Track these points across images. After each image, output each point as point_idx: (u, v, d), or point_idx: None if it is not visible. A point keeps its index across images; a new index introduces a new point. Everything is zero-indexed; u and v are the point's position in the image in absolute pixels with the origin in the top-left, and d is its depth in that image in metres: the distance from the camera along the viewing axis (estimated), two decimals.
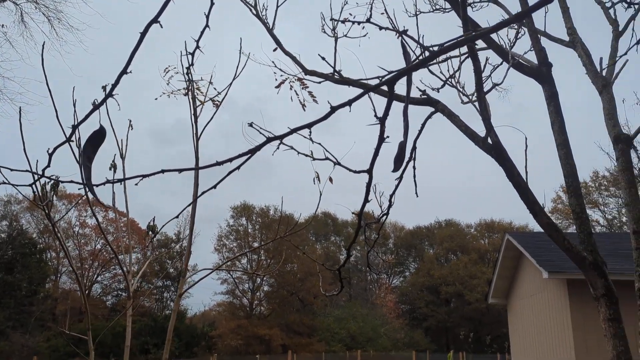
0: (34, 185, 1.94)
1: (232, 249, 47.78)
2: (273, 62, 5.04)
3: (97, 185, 1.57)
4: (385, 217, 3.33)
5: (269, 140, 1.47)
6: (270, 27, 5.40)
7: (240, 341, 40.91)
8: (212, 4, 1.64)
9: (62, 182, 1.95)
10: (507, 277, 17.04)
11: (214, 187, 1.64)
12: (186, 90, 3.84)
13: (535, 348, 14.83)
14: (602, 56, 6.16)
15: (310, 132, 1.97)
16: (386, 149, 1.75)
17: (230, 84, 3.91)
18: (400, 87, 1.82)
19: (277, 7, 5.37)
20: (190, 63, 2.71)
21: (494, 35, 5.01)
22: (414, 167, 3.98)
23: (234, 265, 40.72)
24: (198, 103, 3.86)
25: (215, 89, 3.90)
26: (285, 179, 71.39)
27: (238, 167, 1.52)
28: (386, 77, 1.58)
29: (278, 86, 4.93)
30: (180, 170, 1.50)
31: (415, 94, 4.88)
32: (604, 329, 4.30)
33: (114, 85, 1.39)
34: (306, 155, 2.34)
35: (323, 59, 4.83)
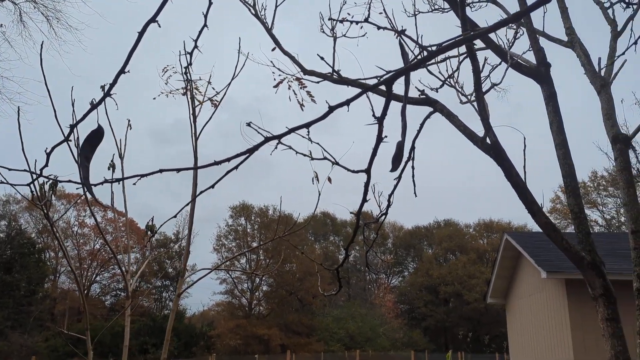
0: (32, 185, 1.94)
1: (231, 249, 47.79)
2: (271, 61, 5.04)
3: (95, 185, 1.56)
4: (384, 216, 3.34)
5: (267, 139, 1.47)
6: (269, 26, 5.40)
7: (239, 341, 40.91)
8: (210, 3, 1.64)
9: (60, 181, 1.95)
10: (506, 277, 17.06)
11: (212, 186, 1.64)
12: (184, 90, 3.84)
13: (534, 348, 14.85)
14: (601, 56, 6.16)
15: (309, 131, 1.97)
16: (385, 149, 1.76)
17: (229, 83, 3.91)
18: (398, 87, 1.82)
19: (276, 6, 5.37)
20: (188, 62, 2.71)
21: (492, 36, 5.01)
22: (413, 167, 3.99)
23: (233, 265, 40.70)
24: (197, 103, 3.86)
25: (213, 88, 3.90)
26: (284, 178, 71.37)
27: (236, 167, 1.52)
28: (384, 77, 1.58)
29: (276, 86, 4.93)
30: (178, 170, 1.51)
31: (414, 93, 4.89)
32: (602, 328, 4.31)
33: (111, 85, 1.39)
34: (304, 155, 2.35)
35: (322, 58, 4.83)
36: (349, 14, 5.08)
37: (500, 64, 5.32)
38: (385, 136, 1.53)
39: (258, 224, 48.98)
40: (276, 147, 2.04)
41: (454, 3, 4.77)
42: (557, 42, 6.41)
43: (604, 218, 43.46)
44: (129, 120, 3.78)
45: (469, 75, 3.47)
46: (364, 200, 1.92)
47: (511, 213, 70.50)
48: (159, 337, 37.22)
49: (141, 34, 1.35)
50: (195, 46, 1.88)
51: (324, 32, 5.39)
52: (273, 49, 5.05)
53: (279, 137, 1.50)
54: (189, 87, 3.79)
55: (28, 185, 1.83)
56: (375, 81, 3.85)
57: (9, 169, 1.71)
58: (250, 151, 1.45)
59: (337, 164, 2.17)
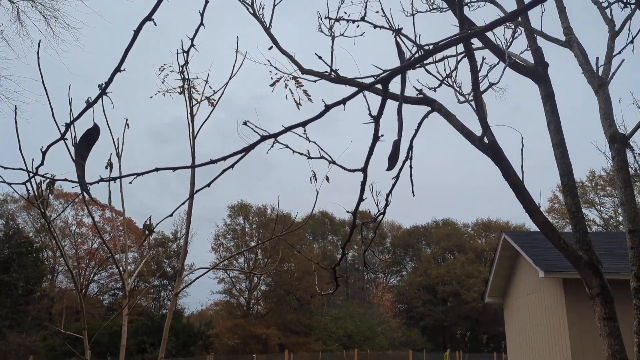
0: (28, 184, 1.93)
1: (229, 248, 47.77)
2: (268, 60, 5.04)
3: (90, 184, 1.56)
4: (382, 216, 3.34)
5: (263, 138, 1.47)
6: (268, 26, 5.40)
7: (237, 340, 40.90)
8: (207, 2, 1.64)
9: (57, 180, 1.94)
10: (504, 277, 17.09)
11: (208, 185, 1.64)
12: (181, 89, 3.83)
13: (532, 347, 14.88)
14: (598, 56, 6.17)
15: (305, 130, 1.97)
16: (383, 148, 1.76)
17: (227, 83, 3.90)
18: (396, 86, 1.82)
19: (274, 5, 5.36)
20: (185, 61, 2.71)
21: (490, 35, 5.02)
22: (411, 167, 3.99)
23: (231, 265, 40.71)
24: (194, 102, 3.86)
25: (210, 87, 3.89)
26: (283, 178, 71.42)
27: (232, 166, 1.51)
28: (380, 76, 1.58)
29: (273, 84, 4.93)
30: (174, 169, 1.50)
31: (412, 93, 4.89)
32: (599, 327, 4.31)
33: (107, 83, 1.38)
34: (301, 154, 2.35)
35: (320, 58, 4.83)
36: (345, 12, 5.08)
37: (498, 63, 5.33)
38: (382, 135, 1.53)
39: (256, 223, 48.97)
40: (272, 146, 2.04)
41: (451, 2, 4.77)
42: (555, 42, 6.41)
43: (602, 218, 43.54)
44: (126, 120, 3.78)
45: (467, 74, 3.47)
46: (361, 199, 1.92)
47: (509, 212, 70.67)
48: (157, 337, 37.18)
49: (137, 32, 1.35)
50: (192, 45, 1.88)
51: (322, 31, 5.39)
52: (270, 48, 5.05)
53: (275, 135, 1.50)
54: (186, 86, 3.78)
55: (24, 183, 1.83)
56: (372, 80, 3.85)
57: (5, 168, 1.71)
58: (247, 150, 1.45)
59: (334, 163, 2.17)
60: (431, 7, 6.96)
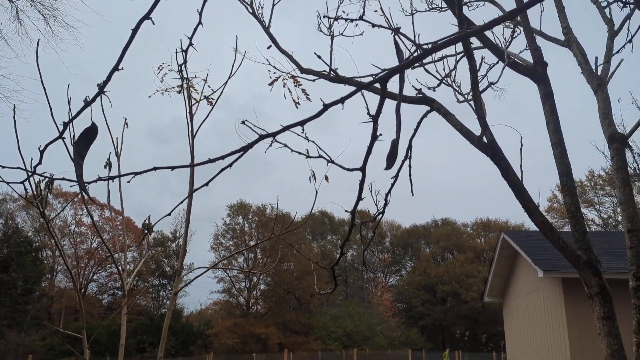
0: (26, 183, 1.93)
1: (229, 248, 47.76)
2: (267, 59, 5.03)
3: (88, 183, 1.56)
4: (381, 215, 3.34)
5: (262, 137, 1.47)
6: (267, 25, 5.39)
7: (236, 340, 40.90)
8: (205, 0, 1.64)
9: (55, 179, 1.94)
10: (503, 276, 17.09)
11: (206, 184, 1.63)
12: (180, 88, 3.83)
13: (531, 346, 14.89)
14: (598, 55, 6.18)
15: (303, 129, 1.97)
16: (382, 147, 1.76)
17: (226, 82, 3.90)
18: (394, 86, 1.82)
19: (273, 5, 5.36)
20: (184, 60, 2.70)
21: (489, 35, 5.02)
22: (410, 166, 3.98)
23: (230, 264, 40.72)
24: (193, 101, 3.85)
25: (209, 86, 3.89)
26: (282, 177, 71.44)
27: (230, 165, 1.51)
28: (379, 75, 1.58)
29: (271, 83, 4.92)
30: (172, 168, 1.50)
31: (411, 92, 4.89)
32: (598, 327, 4.32)
33: (105, 82, 1.38)
34: (300, 153, 2.35)
35: (319, 57, 4.82)
36: (344, 11, 5.08)
37: (497, 63, 5.33)
38: (380, 134, 1.53)
39: (256, 222, 48.98)
40: (270, 145, 2.04)
41: (450, 1, 4.77)
42: (554, 42, 6.42)
43: (601, 217, 43.57)
44: (125, 119, 3.77)
45: (466, 74, 3.47)
46: (359, 198, 1.92)
47: (508, 212, 70.73)
48: (156, 336, 37.16)
49: (134, 31, 1.35)
50: (190, 44, 1.88)
51: (321, 30, 5.39)
52: (269, 47, 5.04)
53: (273, 134, 1.50)
54: (184, 85, 3.78)
55: (22, 182, 1.83)
56: (370, 79, 3.84)
57: (3, 167, 1.70)
58: (245, 149, 1.45)
59: (333, 162, 2.17)
60: (430, 7, 6.96)
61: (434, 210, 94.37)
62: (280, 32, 5.34)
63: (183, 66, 3.55)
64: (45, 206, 2.87)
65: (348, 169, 1.86)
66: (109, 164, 3.50)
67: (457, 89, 5.35)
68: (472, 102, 4.18)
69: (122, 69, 1.37)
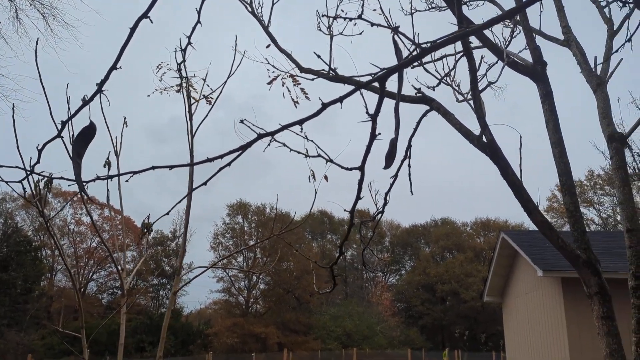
0: (25, 182, 1.93)
1: (228, 247, 47.78)
2: (266, 59, 5.03)
3: (87, 182, 1.56)
4: (380, 214, 3.34)
5: (260, 136, 1.47)
6: (266, 24, 5.39)
7: (236, 339, 40.92)
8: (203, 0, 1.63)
9: (53, 178, 1.94)
10: (502, 275, 17.10)
11: (205, 183, 1.63)
12: (179, 87, 3.83)
13: (530, 346, 14.90)
14: (597, 55, 6.17)
15: (302, 128, 1.97)
16: (381, 147, 1.76)
17: (225, 81, 3.90)
18: (393, 85, 1.82)
19: (273, 4, 5.36)
20: (182, 59, 2.70)
21: (489, 34, 5.01)
22: (409, 166, 3.98)
23: (230, 263, 40.70)
24: (192, 100, 3.85)
25: (208, 85, 3.88)
26: (282, 177, 71.45)
27: (229, 164, 1.51)
28: (378, 74, 1.58)
29: (270, 82, 4.92)
30: (171, 167, 1.50)
31: (411, 92, 4.88)
32: (597, 326, 4.31)
33: (103, 81, 1.38)
34: (298, 152, 2.34)
35: (318, 56, 4.82)
36: (343, 10, 5.08)
37: (496, 62, 5.33)
38: (379, 133, 1.53)
39: (255, 222, 49.01)
40: (269, 144, 2.04)
41: (450, 1, 4.77)
42: (554, 41, 6.41)
43: (600, 217, 43.62)
44: (124, 118, 3.77)
45: (466, 73, 3.47)
46: (358, 197, 1.92)
47: (508, 212, 70.74)
48: (155, 335, 37.16)
49: (132, 29, 1.35)
50: (189, 42, 1.88)
51: (320, 30, 5.38)
52: (268, 46, 5.04)
53: (272, 134, 1.50)
54: (183, 84, 3.78)
55: (21, 182, 1.83)
56: (369, 78, 3.84)
57: (1, 166, 1.70)
58: (243, 148, 1.45)
59: (332, 161, 2.17)
60: (430, 6, 6.95)
61: (434, 210, 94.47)
62: (280, 31, 5.34)
63: (182, 65, 3.54)
64: (44, 205, 2.87)
65: (347, 168, 1.86)
66: (108, 163, 3.50)
67: (456, 88, 5.35)
68: (471, 102, 4.18)
69: (120, 67, 1.37)
